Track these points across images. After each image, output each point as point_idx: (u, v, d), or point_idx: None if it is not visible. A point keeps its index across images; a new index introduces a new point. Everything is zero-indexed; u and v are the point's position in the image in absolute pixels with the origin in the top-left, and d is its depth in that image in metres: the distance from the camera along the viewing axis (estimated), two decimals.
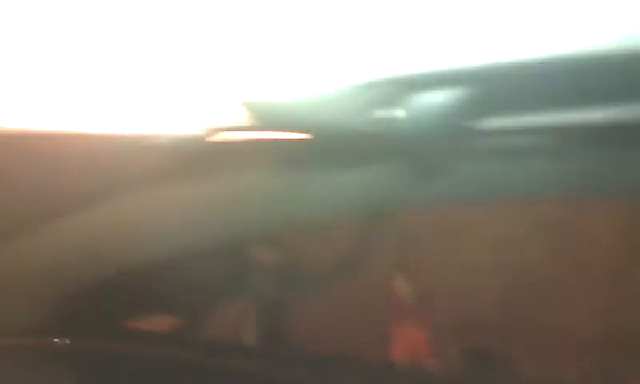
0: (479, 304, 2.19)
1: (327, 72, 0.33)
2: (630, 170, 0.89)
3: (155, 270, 1.33)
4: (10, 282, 1.04)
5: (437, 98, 0.41)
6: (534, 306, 2.18)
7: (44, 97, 0.45)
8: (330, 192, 0.94)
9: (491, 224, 2.16)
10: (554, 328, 2.14)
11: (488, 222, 2.15)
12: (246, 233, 1.08)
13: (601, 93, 0.55)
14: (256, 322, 1.84)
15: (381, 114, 0.43)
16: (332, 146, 0.79)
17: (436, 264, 2.16)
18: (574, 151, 0.86)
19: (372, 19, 0.26)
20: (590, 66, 0.32)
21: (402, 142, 0.67)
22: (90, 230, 1.03)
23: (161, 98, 0.41)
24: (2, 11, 0.30)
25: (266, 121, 0.45)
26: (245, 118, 0.43)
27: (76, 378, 1.13)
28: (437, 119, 0.41)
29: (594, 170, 0.89)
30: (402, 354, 2.02)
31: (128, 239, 1.06)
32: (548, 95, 0.54)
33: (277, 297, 2.02)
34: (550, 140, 0.75)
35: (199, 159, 0.90)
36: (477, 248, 2.18)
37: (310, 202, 0.99)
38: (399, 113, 0.43)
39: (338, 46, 0.29)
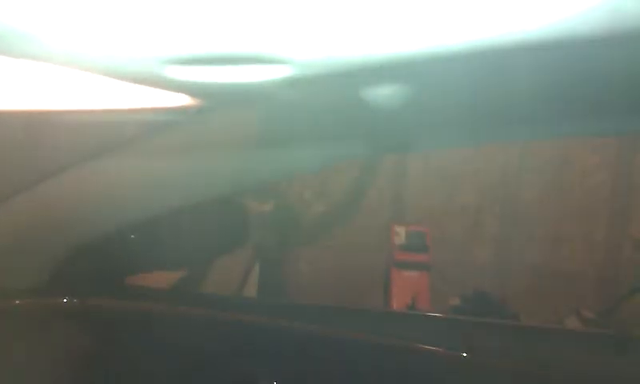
0: (476, 245, 2.23)
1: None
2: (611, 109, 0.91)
3: (155, 226, 1.34)
4: (15, 242, 1.05)
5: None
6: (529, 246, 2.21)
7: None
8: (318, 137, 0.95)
9: (489, 166, 2.17)
10: (551, 269, 2.18)
11: (485, 165, 2.17)
12: (236, 183, 1.09)
13: None
14: (258, 274, 1.88)
15: None
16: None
17: (433, 209, 2.19)
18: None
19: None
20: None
21: None
22: (90, 186, 1.04)
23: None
24: None
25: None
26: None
27: (85, 335, 1.16)
28: None
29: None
30: (401, 299, 2.06)
31: (127, 196, 1.07)
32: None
33: (275, 246, 2.06)
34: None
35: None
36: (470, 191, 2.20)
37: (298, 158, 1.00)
38: None
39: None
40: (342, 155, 1.04)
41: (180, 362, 1.10)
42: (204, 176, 1.04)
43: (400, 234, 2.10)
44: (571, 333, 1.44)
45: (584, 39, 0.34)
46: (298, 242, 2.14)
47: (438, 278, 2.11)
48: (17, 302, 1.10)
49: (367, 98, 0.49)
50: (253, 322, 1.13)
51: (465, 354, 0.95)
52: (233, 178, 1.08)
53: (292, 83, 0.40)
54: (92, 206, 1.06)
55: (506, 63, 0.47)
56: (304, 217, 2.11)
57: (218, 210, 1.60)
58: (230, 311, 1.15)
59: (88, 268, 1.21)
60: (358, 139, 0.93)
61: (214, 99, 0.48)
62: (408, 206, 2.27)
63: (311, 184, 2.11)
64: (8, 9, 0.31)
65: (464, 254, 2.28)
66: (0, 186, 1.05)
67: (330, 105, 0.53)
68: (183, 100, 0.47)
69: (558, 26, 0.32)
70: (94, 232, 1.11)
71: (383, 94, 0.48)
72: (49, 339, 1.17)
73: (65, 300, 1.13)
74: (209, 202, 1.40)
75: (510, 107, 0.83)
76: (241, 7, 0.30)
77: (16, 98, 0.50)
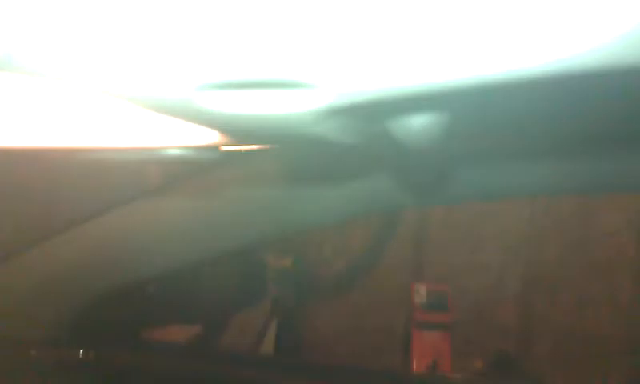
0: (498, 306, 2.18)
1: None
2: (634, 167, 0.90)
3: (173, 280, 1.34)
4: (32, 292, 1.05)
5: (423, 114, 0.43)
6: (553, 306, 2.15)
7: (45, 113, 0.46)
8: (341, 195, 0.95)
9: (512, 222, 2.14)
10: (575, 331, 2.11)
11: (508, 221, 2.14)
12: (256, 237, 1.09)
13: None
14: (275, 330, 1.85)
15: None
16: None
17: (455, 266, 2.15)
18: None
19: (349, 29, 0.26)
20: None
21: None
22: (108, 239, 1.04)
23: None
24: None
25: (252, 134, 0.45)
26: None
27: None
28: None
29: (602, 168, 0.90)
30: (422, 361, 2.01)
31: (146, 249, 1.06)
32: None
33: (293, 302, 2.03)
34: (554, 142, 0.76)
35: (203, 171, 0.92)
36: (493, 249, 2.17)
37: (322, 206, 1.00)
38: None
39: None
40: (368, 206, 1.03)
41: None
42: (224, 228, 1.04)
43: (420, 292, 2.06)
44: None
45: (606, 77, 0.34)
46: (316, 298, 2.11)
47: (459, 339, 2.06)
48: (33, 352, 1.09)
49: (402, 135, 0.47)
50: (268, 382, 1.10)
51: None
52: (252, 230, 1.07)
53: (325, 116, 0.39)
54: (109, 257, 1.05)
55: (546, 95, 0.46)
56: (323, 273, 2.09)
57: (236, 264, 1.59)
58: (246, 370, 1.13)
59: (105, 320, 1.20)
60: (388, 185, 0.93)
61: (244, 136, 0.47)
62: (429, 263, 2.23)
63: (331, 239, 2.09)
64: (37, 33, 0.31)
65: (486, 314, 2.22)
66: (18, 236, 1.05)
67: (361, 146, 0.51)
68: (211, 138, 0.46)
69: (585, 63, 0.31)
70: (110, 284, 1.10)
71: (418, 130, 0.46)
72: None
73: (81, 352, 1.11)
74: (227, 256, 1.39)
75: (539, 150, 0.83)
76: (274, 32, 0.30)
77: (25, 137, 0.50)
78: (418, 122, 0.44)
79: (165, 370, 1.15)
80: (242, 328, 1.75)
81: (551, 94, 0.43)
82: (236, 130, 0.44)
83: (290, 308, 1.93)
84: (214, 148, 0.54)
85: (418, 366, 1.98)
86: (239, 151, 0.85)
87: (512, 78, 0.32)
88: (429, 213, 2.18)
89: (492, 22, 0.28)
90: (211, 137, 0.46)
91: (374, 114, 0.42)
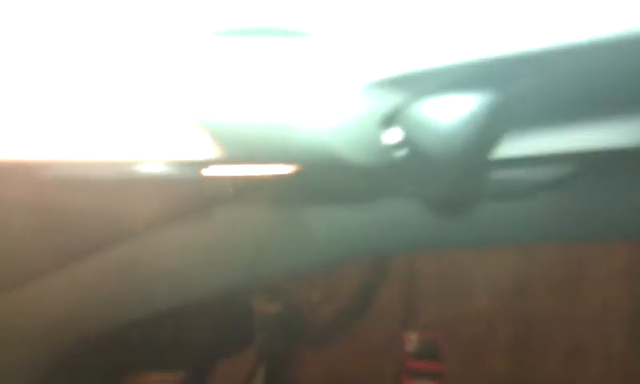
0: (490, 354, 2.14)
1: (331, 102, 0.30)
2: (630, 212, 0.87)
3: (157, 324, 1.30)
4: (14, 337, 1.02)
5: (446, 126, 0.35)
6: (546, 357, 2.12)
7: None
8: (330, 233, 0.92)
9: (502, 271, 2.12)
10: (567, 380, 2.08)
11: (498, 269, 2.12)
12: (244, 280, 1.06)
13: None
14: (262, 378, 1.80)
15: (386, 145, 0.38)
16: (327, 181, 0.73)
17: (445, 314, 2.13)
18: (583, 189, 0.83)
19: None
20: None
21: (409, 177, 0.59)
22: (90, 281, 1.01)
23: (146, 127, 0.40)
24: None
25: (254, 152, 0.41)
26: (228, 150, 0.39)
27: None
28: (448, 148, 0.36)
29: (599, 210, 0.87)
30: None
31: (127, 290, 1.04)
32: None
33: (281, 349, 1.98)
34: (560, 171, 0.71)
35: (192, 196, 0.88)
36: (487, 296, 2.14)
37: (309, 245, 0.96)
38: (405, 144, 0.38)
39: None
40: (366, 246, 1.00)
41: None
42: (211, 269, 1.02)
43: (411, 340, 2.03)
44: None
45: None
46: (304, 345, 2.07)
47: None
48: None
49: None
50: None
51: None
52: (240, 273, 1.05)
53: (345, 129, 0.36)
54: (93, 301, 1.03)
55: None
56: (311, 319, 2.05)
57: (222, 309, 1.56)
58: None
59: (87, 365, 1.17)
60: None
61: (250, 151, 0.44)
62: (419, 309, 2.20)
63: (319, 285, 2.06)
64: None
65: (478, 363, 2.18)
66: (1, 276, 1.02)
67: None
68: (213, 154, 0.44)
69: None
70: (94, 329, 1.07)
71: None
72: None
73: None
74: (213, 301, 1.36)
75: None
76: None
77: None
78: (451, 121, 0.37)
79: None
80: (227, 376, 1.70)
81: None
82: (245, 145, 0.41)
83: (277, 355, 1.89)
84: (212, 169, 0.52)
85: None
86: (230, 190, 0.84)
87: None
88: (418, 259, 2.16)
89: None
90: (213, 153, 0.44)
91: (403, 109, 0.37)
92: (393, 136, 0.38)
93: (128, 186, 0.68)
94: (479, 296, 2.20)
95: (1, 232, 0.80)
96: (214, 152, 0.43)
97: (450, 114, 0.35)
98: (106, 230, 0.90)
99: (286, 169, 0.54)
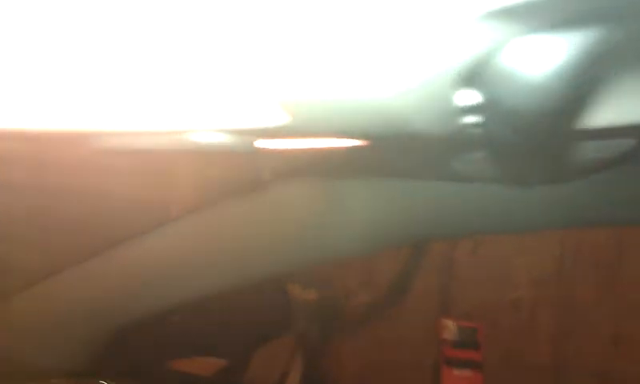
0: (530, 343, 2.10)
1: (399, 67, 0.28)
2: None
3: (198, 310, 1.30)
4: (55, 323, 1.02)
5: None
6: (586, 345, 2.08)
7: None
8: (373, 216, 0.89)
9: (542, 257, 2.08)
10: (611, 371, 2.03)
11: (538, 255, 2.08)
12: (284, 265, 1.04)
13: None
14: (300, 365, 1.79)
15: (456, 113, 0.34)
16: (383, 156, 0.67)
17: (484, 302, 2.09)
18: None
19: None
20: None
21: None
22: (131, 268, 1.01)
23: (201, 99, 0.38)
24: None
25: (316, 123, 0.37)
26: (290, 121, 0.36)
27: None
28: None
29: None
30: None
31: (170, 278, 1.03)
32: None
33: (318, 336, 1.97)
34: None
35: (246, 169, 0.84)
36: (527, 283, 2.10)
37: (350, 229, 0.94)
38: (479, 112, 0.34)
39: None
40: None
41: None
42: (251, 257, 1.01)
43: (449, 328, 2.00)
44: None
45: None
46: (341, 333, 2.06)
47: (490, 377, 1.98)
48: (53, 381, 1.06)
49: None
50: None
51: None
52: (278, 259, 1.04)
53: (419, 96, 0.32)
54: (133, 288, 1.03)
55: None
56: (348, 307, 2.04)
57: (261, 295, 1.56)
58: None
59: (128, 351, 1.17)
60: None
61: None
62: (457, 297, 2.17)
63: (356, 272, 2.05)
64: None
65: (517, 352, 2.14)
66: (44, 261, 1.03)
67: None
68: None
69: None
70: (134, 315, 1.07)
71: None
72: None
73: (101, 383, 1.08)
74: (252, 288, 1.36)
75: None
76: None
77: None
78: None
79: None
80: (266, 362, 1.70)
81: None
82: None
83: (314, 342, 1.88)
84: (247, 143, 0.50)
85: None
86: (273, 176, 0.82)
87: None
88: (457, 245, 2.12)
89: None
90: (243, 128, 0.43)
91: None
92: (467, 98, 0.36)
93: (178, 158, 0.67)
94: (519, 283, 2.16)
95: (65, 203, 0.80)
96: (274, 122, 0.41)
97: (542, 62, 0.30)
98: (153, 208, 0.89)
99: (342, 143, 0.53)
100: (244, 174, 0.81)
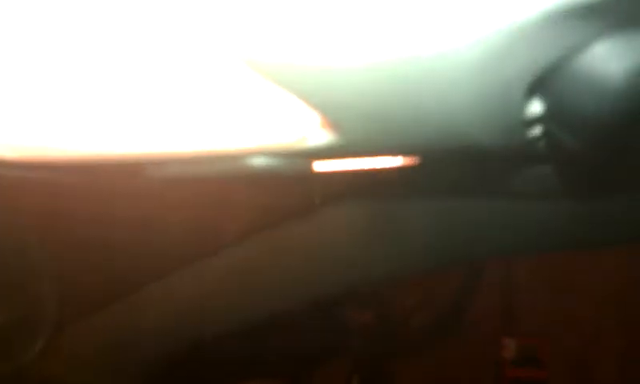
0: (596, 362, 2.02)
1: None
2: None
3: (252, 333, 1.30)
4: (112, 349, 1.04)
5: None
6: None
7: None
8: (431, 234, 0.86)
9: (605, 273, 2.00)
10: None
11: (601, 271, 2.00)
12: (342, 286, 1.03)
13: None
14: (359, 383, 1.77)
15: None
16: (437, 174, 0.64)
17: (547, 320, 2.02)
18: None
19: None
20: None
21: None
22: (188, 289, 1.02)
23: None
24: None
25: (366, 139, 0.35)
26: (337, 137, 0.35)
27: None
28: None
29: None
30: None
31: (225, 299, 1.04)
32: None
33: (375, 357, 1.95)
34: None
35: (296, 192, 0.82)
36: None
37: (408, 249, 0.92)
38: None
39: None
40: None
41: None
42: (306, 279, 1.00)
43: (511, 347, 1.94)
44: None
45: None
46: (398, 354, 2.02)
47: None
48: None
49: None
50: None
51: None
52: (339, 279, 1.03)
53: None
54: (190, 312, 1.03)
55: None
56: (405, 327, 2.01)
57: (315, 318, 1.55)
58: None
59: (183, 374, 1.18)
60: None
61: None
62: (518, 316, 2.11)
63: (413, 292, 2.01)
64: None
65: (583, 371, 2.06)
66: (106, 288, 1.05)
67: None
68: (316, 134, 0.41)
69: None
70: (192, 338, 1.08)
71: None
72: None
73: None
74: (307, 309, 1.35)
75: None
76: None
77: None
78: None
79: None
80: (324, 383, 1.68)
81: None
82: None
83: (371, 364, 1.85)
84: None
85: None
86: (317, 198, 0.82)
87: None
88: (516, 262, 2.07)
89: None
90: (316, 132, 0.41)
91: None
92: (535, 107, 0.34)
93: (230, 183, 0.67)
94: (582, 300, 2.08)
95: (123, 232, 0.81)
96: (327, 140, 0.40)
97: (623, 66, 0.27)
98: (208, 235, 0.90)
99: (398, 161, 0.51)
100: (296, 197, 0.81)
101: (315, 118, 0.36)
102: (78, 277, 0.84)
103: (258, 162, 0.47)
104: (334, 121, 0.35)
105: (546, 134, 0.35)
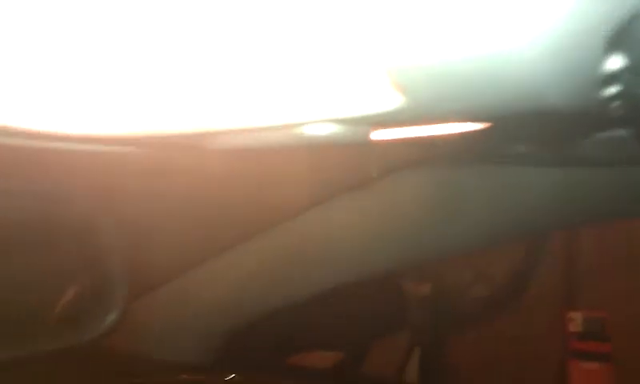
0: None
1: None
2: None
3: (315, 304, 1.31)
4: (183, 316, 1.06)
5: None
6: None
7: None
8: (491, 207, 0.84)
9: None
10: None
11: None
12: (400, 259, 1.02)
13: None
14: (417, 359, 1.77)
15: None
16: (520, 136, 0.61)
17: (612, 291, 1.96)
18: None
19: None
20: None
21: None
22: (255, 264, 1.03)
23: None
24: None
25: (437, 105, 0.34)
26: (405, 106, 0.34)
27: None
28: None
29: None
30: None
31: (289, 274, 1.05)
32: None
33: (434, 331, 1.94)
34: None
35: (361, 161, 0.81)
36: None
37: (467, 222, 0.90)
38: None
39: None
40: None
41: None
42: (365, 252, 1.00)
43: (576, 320, 1.89)
44: None
45: None
46: (458, 326, 2.00)
47: (622, 371, 1.86)
48: (184, 376, 1.10)
49: None
50: None
51: None
52: (393, 253, 1.02)
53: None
54: (254, 284, 1.05)
55: None
56: (465, 300, 1.99)
57: (376, 290, 1.55)
58: None
59: (253, 345, 1.20)
60: None
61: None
62: (582, 287, 2.05)
63: (472, 264, 1.98)
64: None
65: None
66: (170, 263, 1.07)
67: None
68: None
69: None
70: (255, 310, 1.10)
71: None
72: None
73: (231, 376, 1.11)
74: (366, 281, 1.35)
75: None
76: None
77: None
78: None
79: None
80: (383, 356, 1.69)
81: None
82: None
83: (431, 336, 1.84)
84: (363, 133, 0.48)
85: None
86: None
87: None
88: (579, 233, 2.01)
89: None
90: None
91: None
92: (613, 65, 0.32)
93: (291, 154, 0.67)
94: None
95: (185, 206, 0.83)
96: (395, 105, 0.39)
97: None
98: (269, 206, 0.90)
99: (460, 126, 0.50)
100: (357, 167, 0.80)
101: (383, 83, 0.35)
102: (143, 252, 0.86)
103: (321, 130, 0.46)
104: (403, 84, 0.35)
105: (624, 92, 0.34)
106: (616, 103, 0.34)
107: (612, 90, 0.34)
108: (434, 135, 0.52)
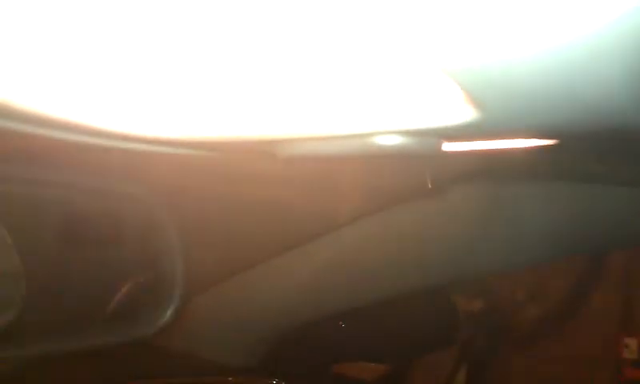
0: None
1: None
2: None
3: (363, 316, 1.30)
4: (232, 320, 1.07)
5: None
6: None
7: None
8: (547, 223, 0.82)
9: None
10: None
11: None
12: (454, 272, 1.01)
13: None
14: (464, 376, 1.74)
15: None
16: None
17: None
18: None
19: None
20: None
21: None
22: (302, 271, 1.04)
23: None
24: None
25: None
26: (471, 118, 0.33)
27: None
28: None
29: None
30: None
31: (337, 283, 1.04)
32: None
33: (483, 348, 1.90)
34: None
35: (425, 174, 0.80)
36: None
37: (522, 237, 0.88)
38: None
39: None
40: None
41: None
42: (418, 263, 0.99)
43: (631, 346, 1.83)
44: None
45: None
46: (508, 345, 1.96)
47: None
48: (230, 379, 1.11)
49: None
50: None
51: None
52: (445, 268, 1.01)
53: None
54: (303, 290, 1.05)
55: None
56: (516, 320, 1.95)
57: (425, 303, 1.53)
58: None
59: (297, 352, 1.20)
60: None
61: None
62: (638, 313, 1.98)
63: (525, 283, 1.94)
64: None
65: None
66: (220, 266, 1.08)
67: None
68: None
69: None
70: (303, 317, 1.10)
71: None
72: None
73: (274, 382, 1.12)
74: (417, 294, 1.34)
75: None
76: None
77: None
78: None
79: None
80: (429, 371, 1.67)
81: None
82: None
83: (480, 353, 1.81)
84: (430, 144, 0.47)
85: None
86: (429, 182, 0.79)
87: None
88: (637, 255, 1.94)
89: None
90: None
91: None
92: None
93: (359, 163, 0.67)
94: None
95: (245, 210, 0.84)
96: (465, 120, 0.39)
97: None
98: (333, 214, 0.90)
99: (534, 142, 0.49)
100: (416, 178, 0.79)
101: (458, 97, 0.35)
102: (202, 253, 0.88)
103: (391, 141, 0.46)
104: (478, 98, 0.34)
105: None
106: None
107: None
108: (501, 149, 0.51)
